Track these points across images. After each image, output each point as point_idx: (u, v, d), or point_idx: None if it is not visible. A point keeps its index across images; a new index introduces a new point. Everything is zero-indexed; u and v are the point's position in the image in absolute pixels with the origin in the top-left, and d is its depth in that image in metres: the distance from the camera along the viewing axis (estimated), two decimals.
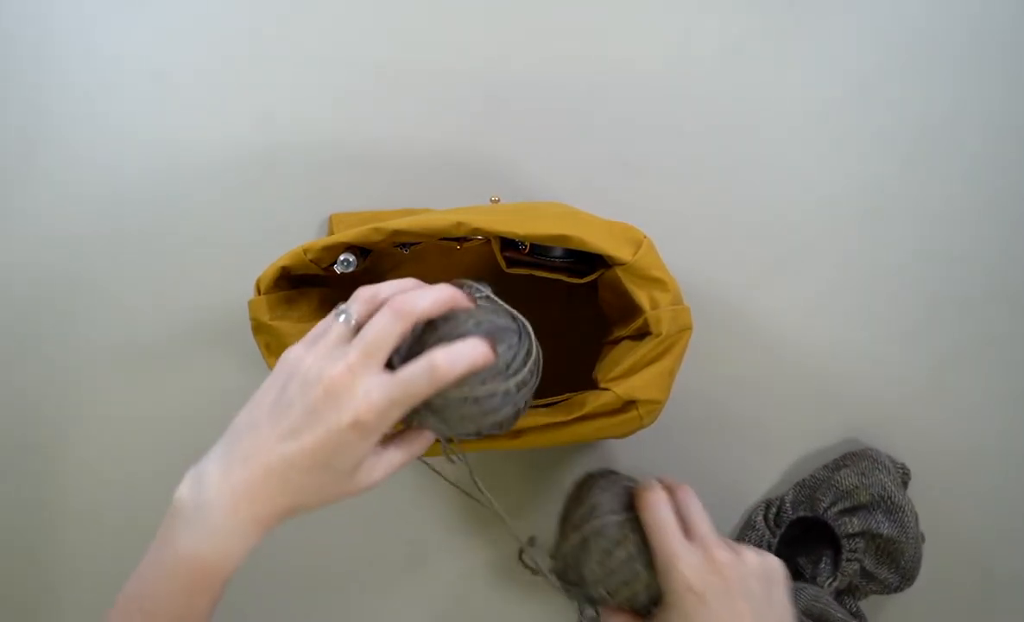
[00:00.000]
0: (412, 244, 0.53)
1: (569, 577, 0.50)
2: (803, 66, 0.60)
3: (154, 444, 0.62)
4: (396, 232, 0.48)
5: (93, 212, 0.61)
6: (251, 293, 0.51)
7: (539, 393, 0.47)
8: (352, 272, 0.51)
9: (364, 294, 0.43)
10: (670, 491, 0.49)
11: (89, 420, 0.62)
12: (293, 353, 0.42)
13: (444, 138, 0.60)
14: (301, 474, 0.40)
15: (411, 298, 0.41)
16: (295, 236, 0.58)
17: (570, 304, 0.58)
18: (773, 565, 0.47)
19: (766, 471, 0.63)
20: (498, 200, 0.57)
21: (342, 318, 0.42)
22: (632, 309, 0.49)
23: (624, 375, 0.48)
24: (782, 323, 0.61)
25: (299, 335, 0.44)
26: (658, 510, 0.47)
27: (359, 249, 0.51)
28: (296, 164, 0.61)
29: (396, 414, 0.40)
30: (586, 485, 0.52)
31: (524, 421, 0.48)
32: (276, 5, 0.60)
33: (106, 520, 0.63)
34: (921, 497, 0.62)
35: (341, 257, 0.50)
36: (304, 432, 0.40)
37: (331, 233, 0.59)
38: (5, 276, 0.62)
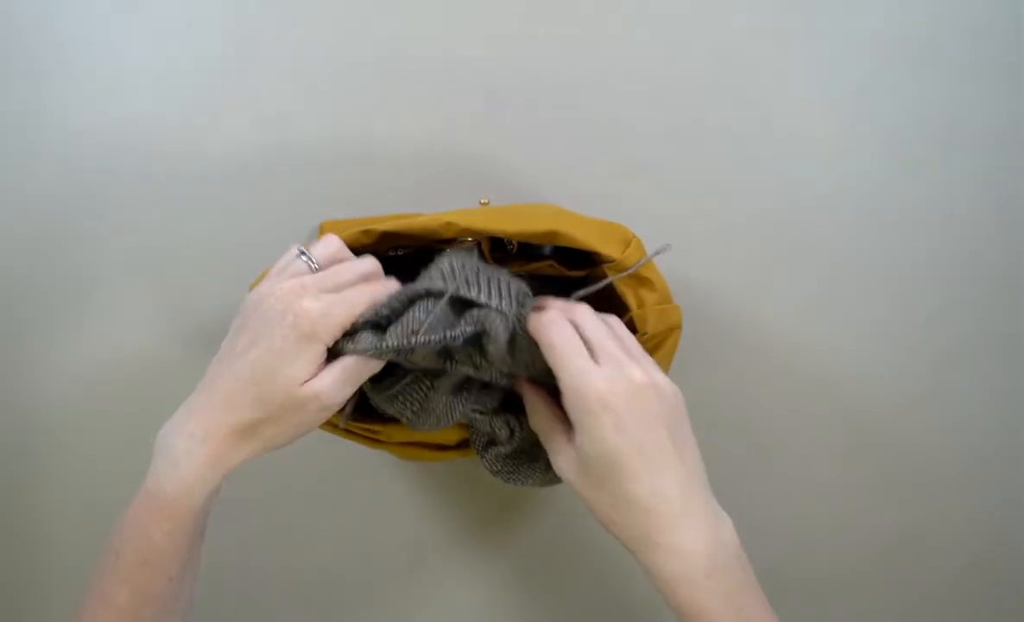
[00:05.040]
0: (403, 248, 0.53)
1: None
2: (802, 67, 0.60)
3: (142, 450, 0.62)
4: (386, 233, 0.48)
5: (83, 215, 0.61)
6: (241, 300, 0.51)
7: None
8: None
9: (332, 244, 0.46)
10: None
11: (79, 422, 0.62)
12: (253, 292, 0.44)
13: (435, 143, 0.61)
14: (249, 387, 0.41)
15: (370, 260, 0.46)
16: (285, 244, 0.58)
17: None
18: (678, 390, 0.43)
19: (764, 473, 0.63)
20: (488, 202, 0.57)
21: (303, 259, 0.45)
22: (621, 309, 0.49)
23: None
24: (781, 323, 0.61)
25: None
26: (558, 329, 0.43)
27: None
28: (286, 171, 0.61)
29: (342, 315, 0.42)
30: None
31: None
32: (268, 9, 0.61)
33: (93, 525, 0.62)
34: (921, 498, 0.62)
35: None
36: (251, 345, 0.42)
37: None
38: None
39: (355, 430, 0.51)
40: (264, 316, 0.42)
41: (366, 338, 0.43)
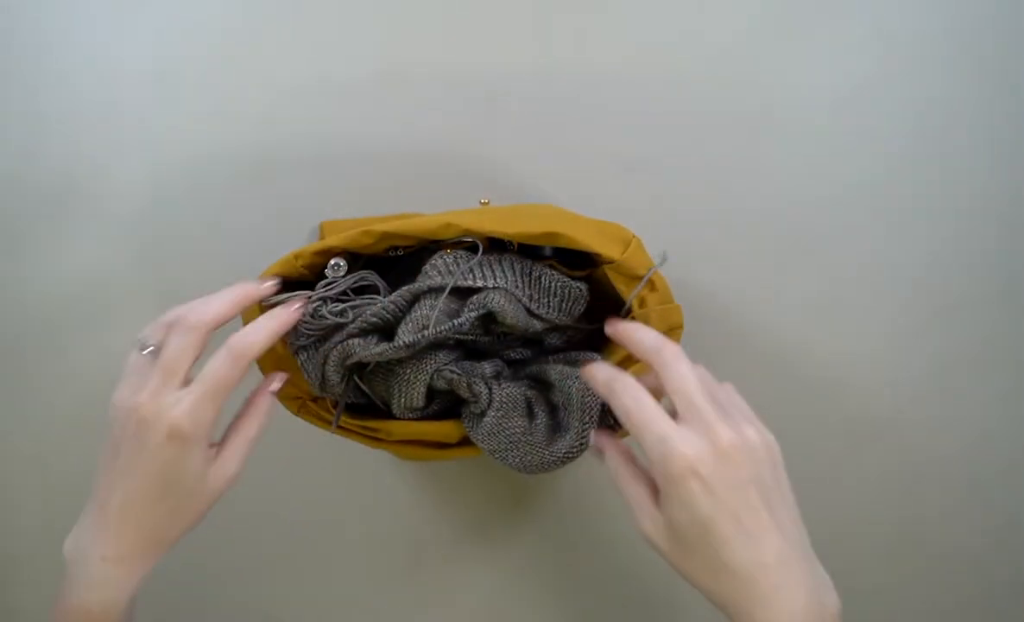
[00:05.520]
0: (404, 248, 0.53)
1: None
2: (803, 67, 0.60)
3: None
4: (385, 234, 0.48)
5: (82, 215, 0.61)
6: None
7: None
8: (343, 276, 0.51)
9: (160, 320, 0.44)
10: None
11: (76, 421, 0.62)
12: (114, 396, 0.43)
13: (435, 143, 0.61)
14: (149, 506, 0.42)
15: (196, 312, 0.43)
16: (285, 244, 0.58)
17: None
18: (772, 441, 0.42)
19: None
20: (488, 202, 0.57)
21: (145, 352, 0.43)
22: (621, 309, 0.49)
23: None
24: (782, 322, 0.62)
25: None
26: (626, 391, 0.41)
27: (350, 254, 0.51)
28: (286, 171, 0.61)
29: (210, 410, 0.42)
30: None
31: None
32: (268, 9, 0.61)
33: None
34: (923, 500, 0.61)
35: (332, 261, 0.50)
36: (135, 465, 0.41)
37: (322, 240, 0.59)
38: None
39: (354, 428, 0.51)
40: (134, 434, 0.41)
41: (373, 341, 0.46)
